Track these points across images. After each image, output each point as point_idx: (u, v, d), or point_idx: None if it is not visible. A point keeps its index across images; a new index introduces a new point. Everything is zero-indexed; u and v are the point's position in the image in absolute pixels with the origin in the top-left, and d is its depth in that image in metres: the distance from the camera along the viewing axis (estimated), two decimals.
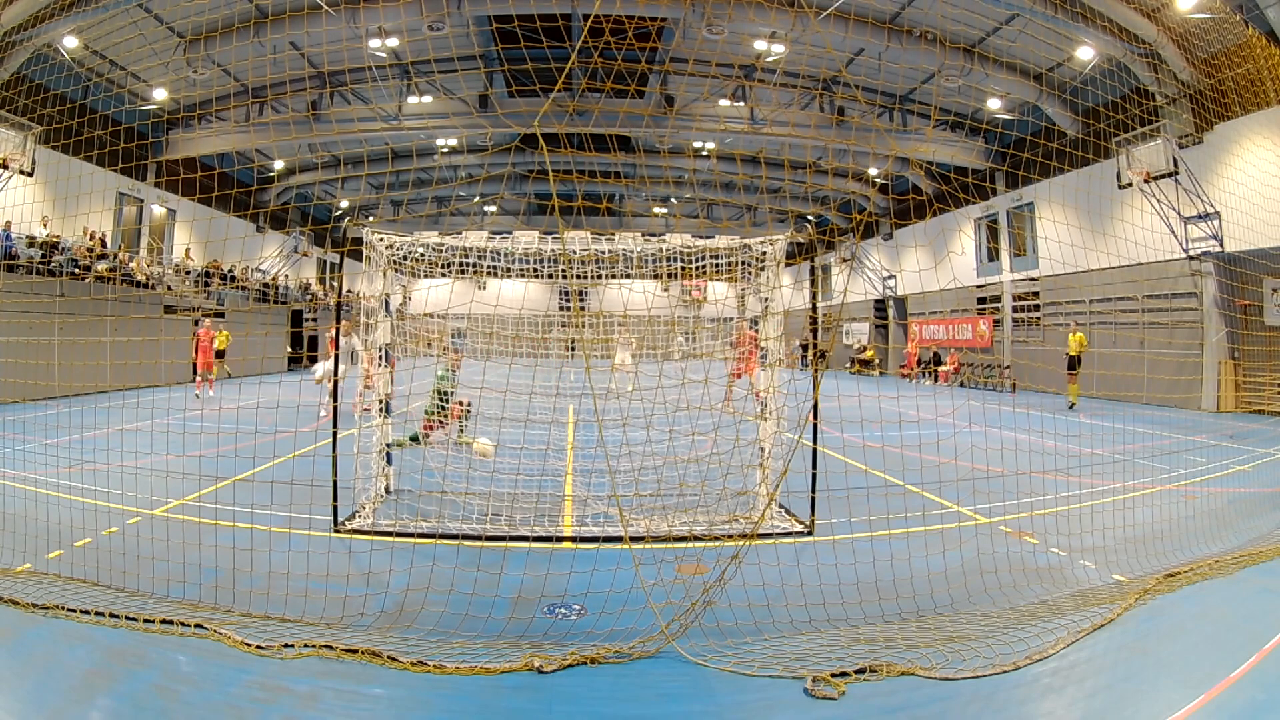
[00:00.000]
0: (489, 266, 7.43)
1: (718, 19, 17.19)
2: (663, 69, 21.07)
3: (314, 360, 14.16)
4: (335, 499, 5.51)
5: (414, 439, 8.07)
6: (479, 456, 6.76)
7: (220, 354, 15.97)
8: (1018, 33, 16.78)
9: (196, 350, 15.12)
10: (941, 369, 23.98)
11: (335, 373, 6.34)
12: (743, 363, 10.23)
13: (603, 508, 6.21)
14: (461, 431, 8.77)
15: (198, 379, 14.81)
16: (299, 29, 17.04)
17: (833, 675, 3.27)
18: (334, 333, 6.51)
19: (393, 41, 19.01)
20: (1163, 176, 15.41)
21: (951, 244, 24.80)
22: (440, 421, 8.11)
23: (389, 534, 5.45)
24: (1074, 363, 15.41)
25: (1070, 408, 14.92)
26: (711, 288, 33.41)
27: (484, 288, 20.33)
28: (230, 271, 23.98)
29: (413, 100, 21.30)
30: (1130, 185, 16.18)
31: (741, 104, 21.71)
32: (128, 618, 3.69)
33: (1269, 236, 12.85)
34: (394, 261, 6.53)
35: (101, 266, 17.12)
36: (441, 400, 8.16)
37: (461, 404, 8.50)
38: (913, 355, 26.19)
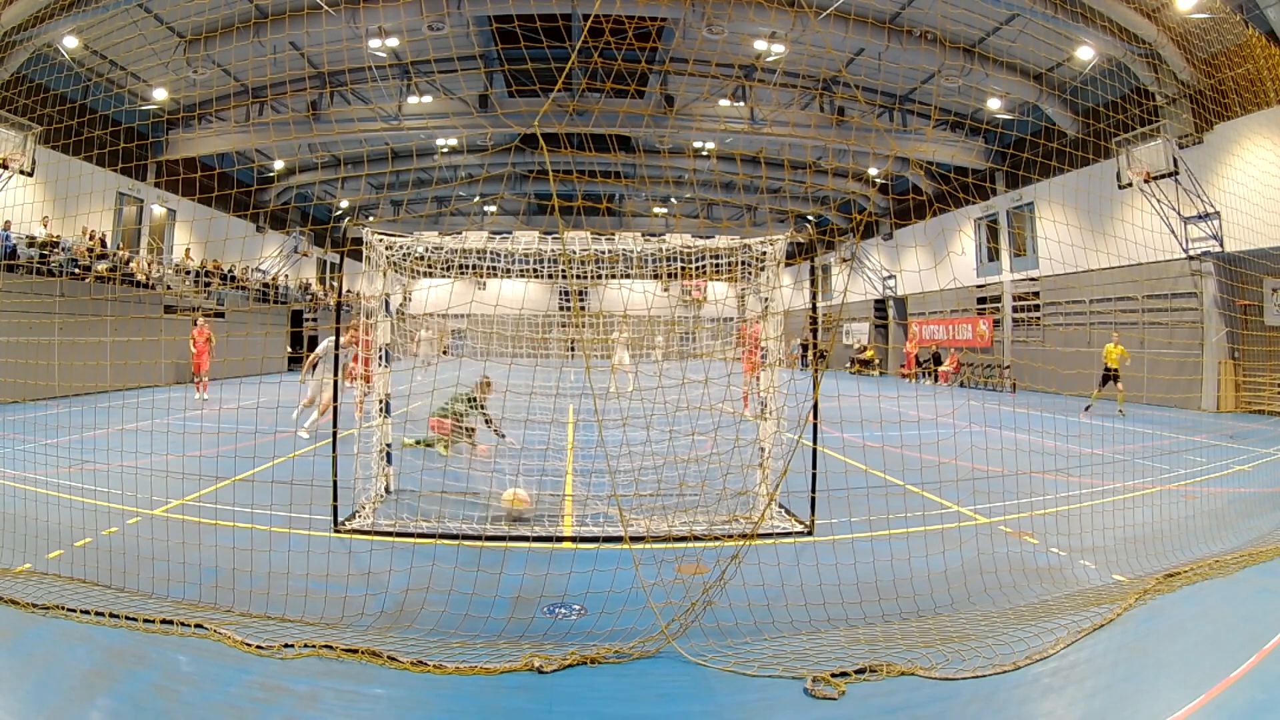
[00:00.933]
0: (489, 266, 7.42)
1: (718, 19, 17.19)
2: (663, 69, 21.07)
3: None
4: (335, 499, 5.50)
5: (418, 442, 8.07)
6: (512, 509, 5.95)
7: None
8: (1018, 33, 16.78)
9: (195, 350, 15.04)
10: (941, 369, 23.98)
11: (335, 370, 6.34)
12: (745, 361, 10.24)
13: (603, 508, 6.21)
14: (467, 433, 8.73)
15: (195, 380, 14.71)
16: (299, 29, 17.06)
17: (833, 675, 3.27)
18: (335, 345, 6.35)
19: (393, 41, 19.01)
20: (1163, 176, 15.40)
21: (951, 244, 24.79)
22: (455, 429, 7.94)
23: (389, 534, 5.44)
24: (1107, 377, 14.50)
25: (1119, 414, 14.03)
26: (711, 288, 33.42)
27: (484, 288, 20.32)
28: (230, 271, 23.98)
29: (413, 100, 21.30)
30: (1130, 185, 16.17)
31: (741, 104, 21.71)
32: (128, 618, 3.69)
33: (1269, 236, 12.84)
34: (394, 261, 6.53)
35: (101, 266, 17.12)
36: (457, 416, 7.83)
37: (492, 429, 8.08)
38: (911, 354, 26.16)
